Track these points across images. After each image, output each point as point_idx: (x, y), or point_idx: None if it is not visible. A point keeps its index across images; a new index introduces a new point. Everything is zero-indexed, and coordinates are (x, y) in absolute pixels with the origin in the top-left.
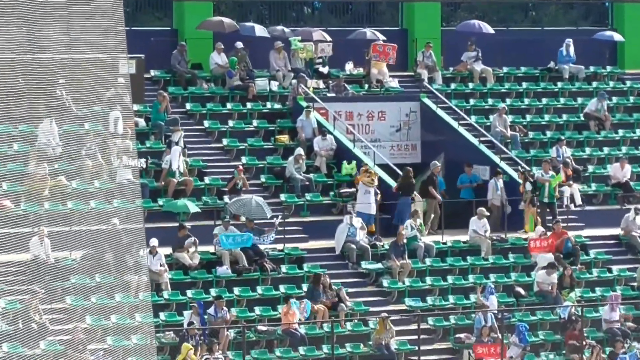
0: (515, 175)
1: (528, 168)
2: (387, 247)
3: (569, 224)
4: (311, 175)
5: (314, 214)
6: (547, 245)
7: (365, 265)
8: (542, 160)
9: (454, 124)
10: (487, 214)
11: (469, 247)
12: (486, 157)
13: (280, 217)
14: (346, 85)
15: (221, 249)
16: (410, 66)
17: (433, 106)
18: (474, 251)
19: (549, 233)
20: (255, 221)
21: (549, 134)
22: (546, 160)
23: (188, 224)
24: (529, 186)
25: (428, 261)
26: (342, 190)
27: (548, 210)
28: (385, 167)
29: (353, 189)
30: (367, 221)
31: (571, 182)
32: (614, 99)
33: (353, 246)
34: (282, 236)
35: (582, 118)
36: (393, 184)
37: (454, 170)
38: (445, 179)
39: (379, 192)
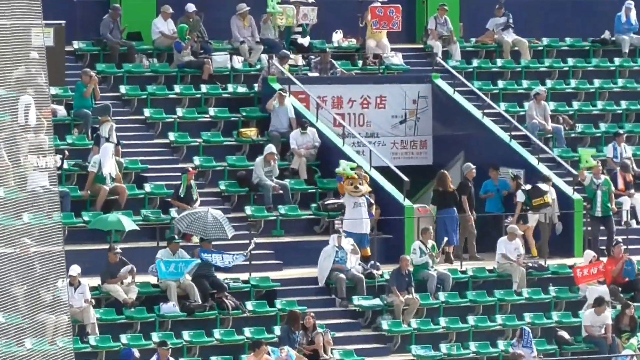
0: (561, 183)
1: (515, 172)
2: (387, 277)
3: (630, 246)
4: (287, 182)
5: (290, 233)
6: (599, 274)
7: (358, 301)
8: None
9: (477, 113)
10: (521, 232)
11: (497, 277)
12: (519, 158)
13: (253, 242)
14: (334, 62)
15: (169, 279)
16: (419, 37)
17: (449, 90)
18: (503, 283)
19: (603, 259)
20: (214, 243)
21: (603, 126)
22: (599, 161)
23: (122, 246)
24: (520, 196)
25: (442, 296)
26: (327, 202)
27: (602, 227)
28: (384, 170)
29: (342, 200)
30: (361, 243)
31: (632, 191)
32: None
33: (342, 276)
34: (248, 262)
35: None
36: (396, 193)
37: (477, 175)
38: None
39: (373, 202)
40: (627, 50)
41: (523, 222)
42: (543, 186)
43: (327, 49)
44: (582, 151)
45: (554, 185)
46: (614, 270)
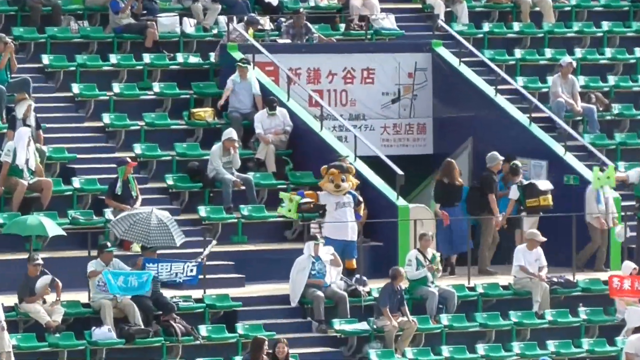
0: (589, 175)
1: (519, 162)
2: (376, 294)
3: None
4: (250, 176)
5: (255, 240)
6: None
7: (340, 325)
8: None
9: (489, 89)
10: (542, 239)
11: (513, 295)
12: (541, 145)
13: (209, 246)
14: (309, 25)
15: (103, 297)
16: None
17: (454, 60)
18: (521, 302)
19: None
20: (159, 252)
21: None
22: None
23: (44, 255)
24: (514, 192)
25: (445, 319)
26: (302, 201)
27: None
28: (373, 161)
29: (321, 200)
30: (344, 252)
31: None
32: None
33: (320, 293)
34: (202, 276)
35: None
36: (388, 190)
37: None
38: (473, 183)
39: (361, 200)
40: None
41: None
42: (542, 184)
43: (302, 10)
44: (595, 171)
45: (581, 181)
46: None
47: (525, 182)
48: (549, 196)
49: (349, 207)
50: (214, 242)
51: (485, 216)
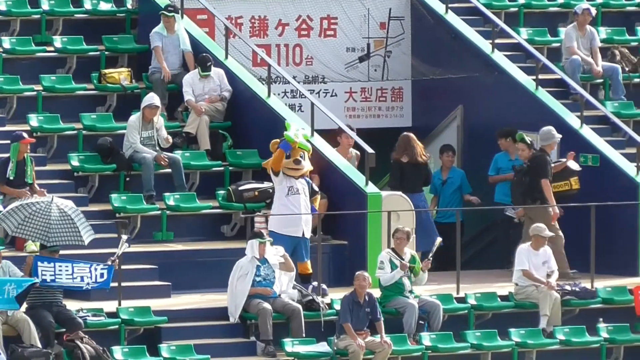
0: (618, 157)
1: (530, 137)
2: (339, 307)
3: None
4: (178, 154)
5: (184, 238)
6: None
7: (293, 346)
8: None
9: (484, 44)
10: (550, 233)
11: (515, 307)
12: (551, 116)
13: (124, 236)
14: None
15: None
16: None
17: (439, 6)
18: (525, 317)
19: None
20: (62, 252)
21: None
22: None
23: None
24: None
25: (427, 338)
26: (242, 187)
27: None
28: (334, 136)
29: (267, 184)
30: (297, 252)
31: None
32: None
33: (267, 306)
34: (117, 284)
35: None
36: (355, 174)
37: (482, 145)
38: (464, 163)
39: (317, 189)
40: None
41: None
42: (572, 163)
43: None
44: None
45: (602, 161)
46: None
47: (554, 161)
48: (577, 178)
49: (303, 194)
50: (124, 237)
51: (536, 205)
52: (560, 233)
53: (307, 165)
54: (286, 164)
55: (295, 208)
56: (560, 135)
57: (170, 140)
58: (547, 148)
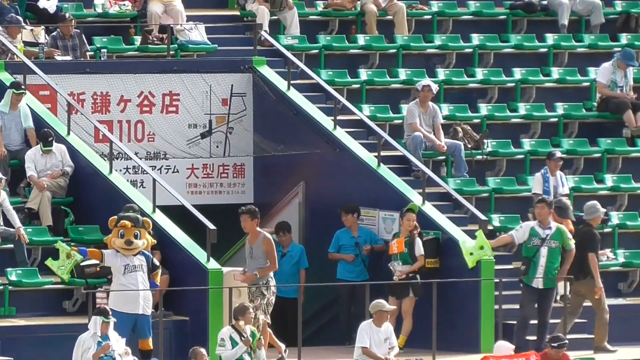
0: (453, 230)
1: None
2: None
3: (568, 336)
4: (18, 231)
5: (26, 313)
6: None
7: None
8: (521, 200)
9: (326, 121)
10: (390, 308)
11: None
12: (392, 193)
13: None
14: (82, 37)
15: None
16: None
17: (281, 83)
18: None
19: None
20: None
21: (527, 144)
22: (541, 199)
23: None
24: (419, 249)
25: None
26: (85, 263)
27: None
28: (177, 212)
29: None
30: (135, 330)
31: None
32: None
33: None
34: None
35: (595, 109)
36: (196, 250)
37: (324, 221)
38: (306, 239)
39: (158, 265)
40: (565, 22)
41: (396, 297)
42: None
43: (68, 15)
44: (462, 245)
45: (444, 238)
46: None
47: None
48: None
49: (141, 271)
50: None
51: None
52: (606, 307)
53: (142, 244)
54: (119, 244)
55: (132, 285)
56: (603, 209)
57: None
58: (592, 222)
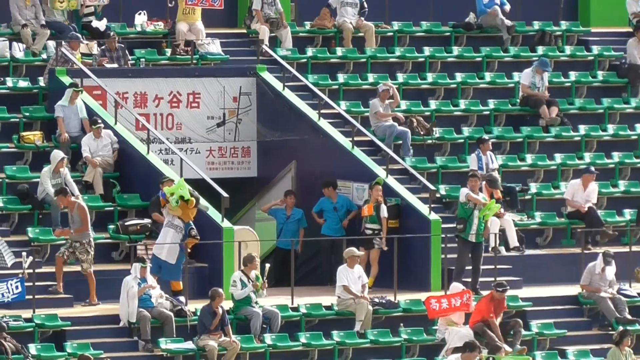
0: (410, 197)
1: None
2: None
3: (498, 278)
4: (77, 198)
5: None
6: (463, 306)
7: (166, 344)
8: (462, 174)
9: (312, 114)
10: (360, 253)
11: (336, 315)
12: (364, 169)
13: (25, 259)
14: (125, 50)
15: None
16: (241, 20)
17: (278, 85)
18: (343, 322)
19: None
20: None
21: (466, 130)
22: (472, 174)
23: None
24: (384, 211)
25: (269, 338)
26: (127, 223)
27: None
28: (199, 183)
29: (147, 220)
30: (159, 271)
31: (502, 211)
32: (572, 75)
33: (146, 314)
34: (32, 297)
35: (519, 104)
36: (213, 212)
37: (312, 191)
38: (298, 204)
39: (197, 236)
40: (507, 36)
41: (365, 248)
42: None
43: (113, 33)
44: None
45: (403, 204)
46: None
47: (394, 202)
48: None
49: (175, 230)
50: (24, 255)
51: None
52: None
53: (193, 212)
54: (172, 208)
55: (164, 237)
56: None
57: None
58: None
